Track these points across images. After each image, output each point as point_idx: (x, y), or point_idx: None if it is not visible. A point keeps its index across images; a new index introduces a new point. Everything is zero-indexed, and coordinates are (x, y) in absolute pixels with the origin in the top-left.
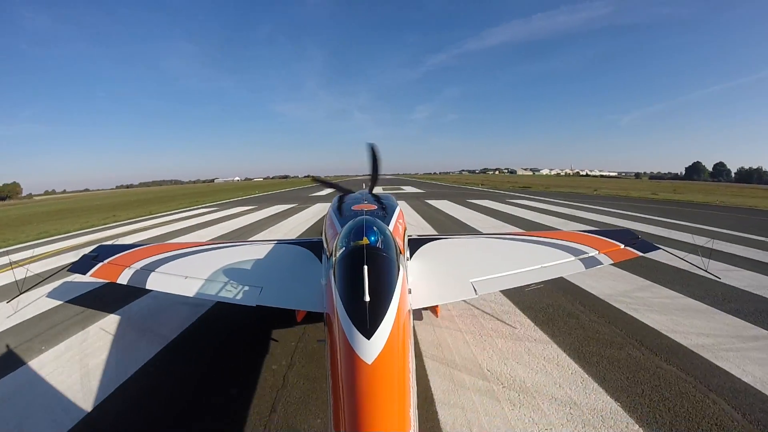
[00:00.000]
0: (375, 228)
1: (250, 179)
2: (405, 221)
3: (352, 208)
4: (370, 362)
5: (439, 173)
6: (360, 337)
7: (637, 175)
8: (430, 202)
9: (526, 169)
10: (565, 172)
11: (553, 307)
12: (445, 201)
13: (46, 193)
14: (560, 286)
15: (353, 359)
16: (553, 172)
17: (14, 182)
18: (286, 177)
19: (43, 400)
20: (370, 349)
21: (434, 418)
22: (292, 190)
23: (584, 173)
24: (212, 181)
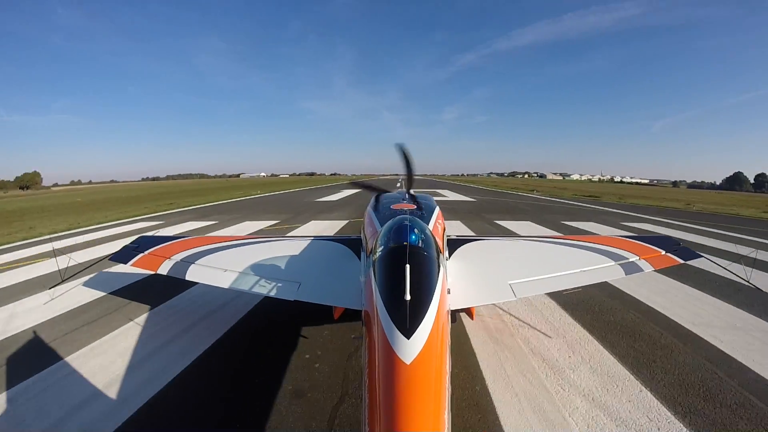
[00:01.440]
0: (416, 227)
1: (276, 175)
2: (444, 221)
3: (391, 207)
4: (408, 362)
5: (467, 175)
6: (400, 336)
7: (675, 184)
8: (502, 224)
9: (555, 174)
10: (598, 178)
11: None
12: (529, 222)
13: (72, 183)
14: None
15: (392, 358)
16: (583, 177)
17: (34, 171)
18: (312, 174)
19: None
20: (410, 348)
21: None
22: (302, 191)
23: (618, 180)
24: (238, 176)
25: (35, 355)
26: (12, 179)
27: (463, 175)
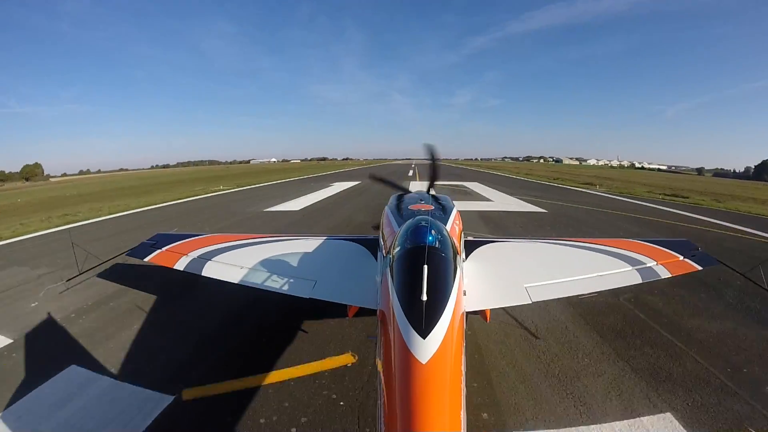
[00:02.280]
0: (434, 228)
1: (288, 161)
2: (461, 222)
3: (410, 207)
4: (424, 362)
5: (480, 159)
6: (416, 336)
7: (700, 172)
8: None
9: (572, 159)
10: (619, 164)
11: None
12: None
13: (81, 173)
14: None
15: (408, 358)
16: (600, 163)
17: (35, 163)
18: (323, 159)
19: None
20: (425, 348)
21: None
22: (293, 181)
23: (639, 165)
24: (248, 162)
25: None
26: (18, 171)
27: (476, 159)
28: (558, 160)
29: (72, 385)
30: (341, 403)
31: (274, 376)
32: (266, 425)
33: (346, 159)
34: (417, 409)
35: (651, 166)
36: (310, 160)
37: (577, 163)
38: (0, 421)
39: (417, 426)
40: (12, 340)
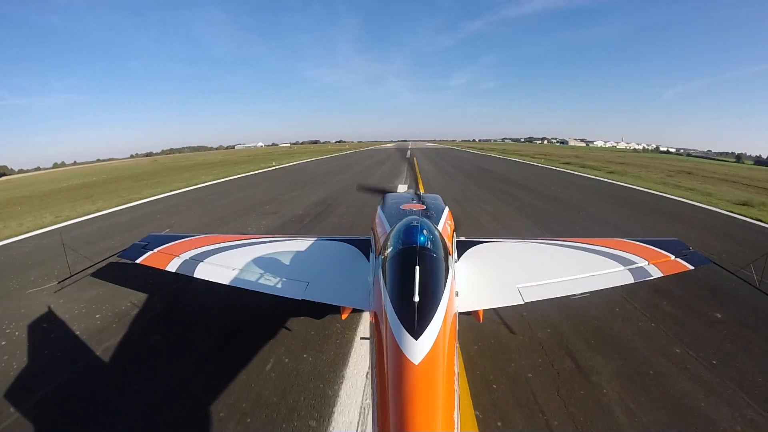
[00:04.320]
0: (425, 229)
1: (276, 144)
2: (453, 222)
3: (401, 207)
4: (416, 362)
5: (480, 140)
6: (408, 337)
7: (739, 158)
8: None
9: (577, 140)
10: (632, 147)
11: None
12: None
13: (55, 166)
14: None
15: (400, 359)
16: (607, 144)
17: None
18: (315, 142)
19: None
20: (418, 349)
21: None
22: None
23: (665, 150)
24: (233, 147)
25: None
26: None
27: (474, 140)
28: (563, 142)
29: None
30: None
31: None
32: None
33: (340, 141)
34: (410, 410)
35: (670, 150)
36: (302, 143)
37: (584, 145)
38: None
39: (410, 426)
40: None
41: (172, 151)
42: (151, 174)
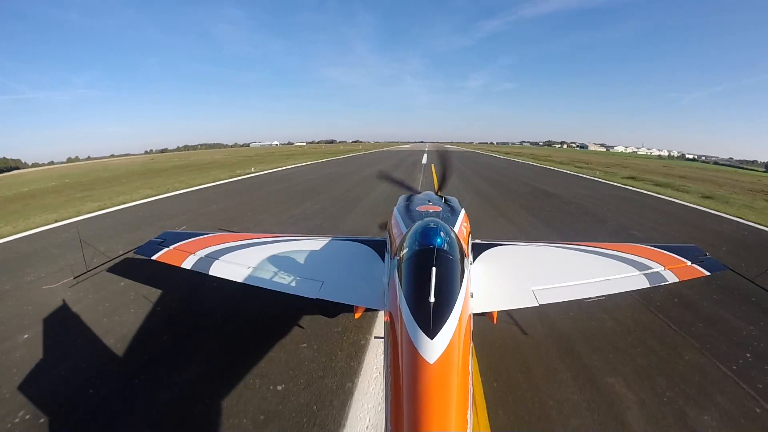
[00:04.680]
0: (442, 231)
1: (292, 143)
2: (470, 224)
3: (418, 209)
4: (432, 362)
5: (497, 143)
6: (423, 337)
7: None
8: None
9: (598, 145)
10: (655, 153)
11: None
12: None
13: (69, 160)
14: None
15: (415, 358)
16: (628, 150)
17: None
18: (332, 141)
19: None
20: (433, 348)
21: None
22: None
23: (691, 157)
24: (248, 145)
25: None
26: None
27: (492, 143)
28: (583, 146)
29: None
30: None
31: None
32: None
33: (356, 141)
34: (424, 409)
35: (697, 157)
36: (318, 142)
37: (604, 150)
38: None
39: (424, 425)
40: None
41: (187, 147)
42: (105, 182)
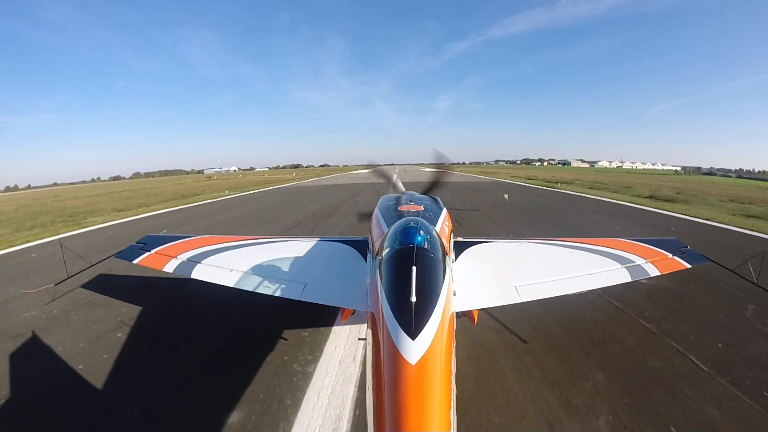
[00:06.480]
0: (423, 229)
1: (254, 169)
2: (451, 223)
3: (399, 208)
4: (413, 362)
5: (470, 164)
6: (405, 337)
7: None
8: None
9: (580, 161)
10: (637, 167)
11: None
12: None
13: (7, 189)
14: None
15: (397, 359)
16: (612, 165)
17: None
18: (297, 166)
19: None
20: (414, 349)
21: None
22: None
23: (707, 170)
24: (201, 171)
25: None
26: None
27: (463, 163)
28: (565, 163)
29: None
30: None
31: None
32: None
33: (324, 165)
34: (406, 410)
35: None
36: (283, 167)
37: (589, 166)
38: None
39: (406, 426)
40: None
41: (138, 175)
42: None
